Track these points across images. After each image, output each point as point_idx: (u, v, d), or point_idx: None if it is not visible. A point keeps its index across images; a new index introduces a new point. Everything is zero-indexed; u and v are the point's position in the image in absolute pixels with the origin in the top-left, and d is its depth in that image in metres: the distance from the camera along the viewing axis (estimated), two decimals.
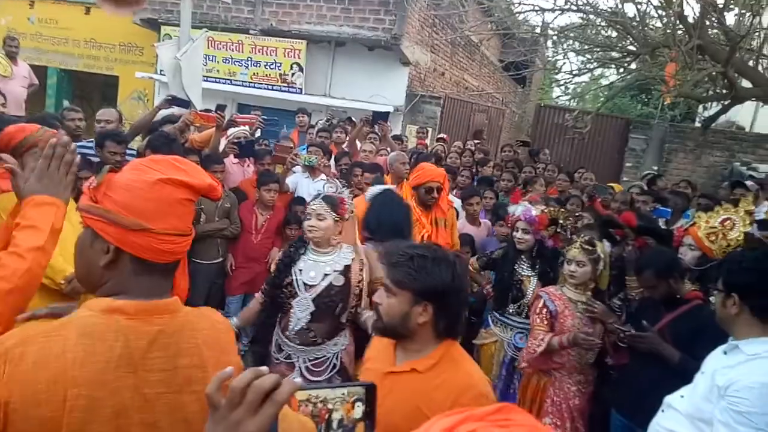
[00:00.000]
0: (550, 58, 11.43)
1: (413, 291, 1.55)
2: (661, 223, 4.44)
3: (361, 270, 2.66)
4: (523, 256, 3.43)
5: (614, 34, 8.35)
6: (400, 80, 9.57)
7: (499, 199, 5.19)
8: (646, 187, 5.98)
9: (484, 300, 3.92)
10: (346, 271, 2.63)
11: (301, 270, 2.64)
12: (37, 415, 0.94)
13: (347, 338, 2.73)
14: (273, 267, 2.81)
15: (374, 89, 9.47)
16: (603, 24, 8.22)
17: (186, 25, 6.48)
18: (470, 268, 3.79)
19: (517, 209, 3.43)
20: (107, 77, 11.58)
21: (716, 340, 2.05)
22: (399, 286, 1.56)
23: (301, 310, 2.60)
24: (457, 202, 4.69)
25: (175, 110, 5.07)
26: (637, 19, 7.41)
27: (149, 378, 1.04)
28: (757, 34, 7.10)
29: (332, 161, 5.38)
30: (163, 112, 5.06)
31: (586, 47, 8.82)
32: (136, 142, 4.74)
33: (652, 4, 7.27)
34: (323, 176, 4.74)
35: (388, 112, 6.59)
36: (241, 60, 9.83)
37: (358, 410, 0.87)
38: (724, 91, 7.59)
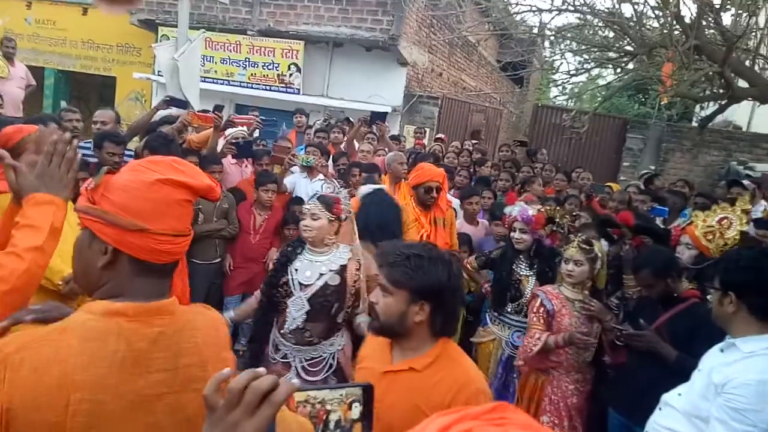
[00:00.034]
0: (547, 59, 11.47)
1: (410, 290, 1.56)
2: (659, 222, 4.46)
3: (358, 270, 2.66)
4: (521, 256, 3.44)
5: (611, 34, 8.37)
6: (397, 80, 9.58)
7: (498, 198, 5.20)
8: (643, 187, 5.99)
9: (481, 299, 3.93)
10: (342, 270, 2.63)
11: (297, 269, 2.65)
12: (40, 420, 0.94)
13: (344, 338, 2.73)
14: (271, 267, 2.82)
15: (372, 90, 9.48)
16: (600, 24, 8.24)
17: (183, 25, 6.47)
18: (469, 267, 3.80)
19: (513, 210, 3.43)
20: (105, 78, 11.56)
21: (713, 338, 2.06)
22: (396, 285, 1.58)
23: (296, 310, 2.60)
24: (456, 202, 4.70)
25: (173, 111, 5.07)
26: (634, 19, 7.43)
27: (152, 379, 1.04)
28: (753, 34, 7.12)
29: (330, 161, 5.38)
30: (161, 113, 5.05)
31: (583, 47, 8.85)
32: (134, 143, 4.73)
33: (649, 4, 7.30)
34: (321, 176, 4.74)
35: (386, 113, 6.59)
36: (239, 61, 9.83)
37: (356, 411, 0.88)
38: (721, 91, 7.62)
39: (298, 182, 4.83)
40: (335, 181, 4.62)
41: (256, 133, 5.96)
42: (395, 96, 9.54)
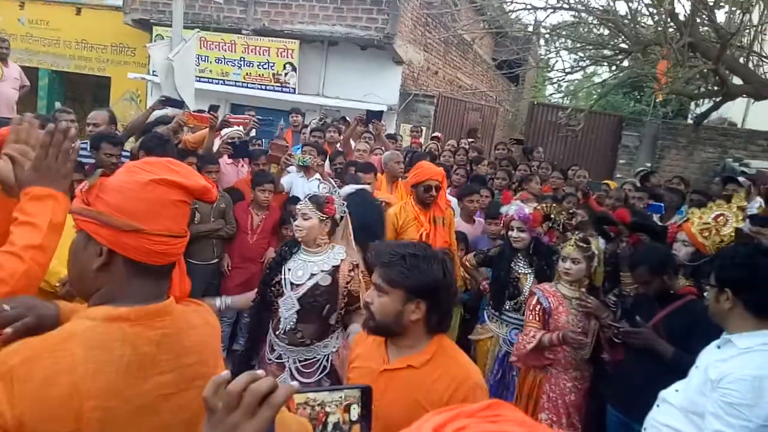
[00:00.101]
0: (542, 57, 11.48)
1: (406, 289, 1.58)
2: (655, 219, 4.47)
3: (351, 271, 2.63)
4: (519, 254, 3.45)
5: (606, 32, 8.39)
6: (393, 79, 9.58)
7: (495, 197, 5.21)
8: (639, 184, 6.02)
9: (479, 297, 3.94)
10: (334, 271, 2.61)
11: (290, 269, 2.64)
12: (54, 430, 0.94)
13: (339, 340, 2.71)
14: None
15: (367, 88, 9.47)
16: (595, 22, 8.26)
17: (178, 25, 6.46)
18: (467, 264, 3.81)
19: (510, 208, 3.44)
20: (99, 78, 11.52)
21: (710, 335, 2.07)
22: (392, 285, 1.59)
23: (287, 309, 2.60)
24: (453, 201, 4.70)
25: (169, 111, 5.06)
26: (629, 17, 7.45)
27: (158, 381, 1.05)
28: (747, 31, 7.15)
29: (327, 161, 5.37)
30: (157, 113, 5.04)
31: (578, 45, 8.86)
32: (130, 143, 4.72)
33: (643, 2, 7.32)
34: (318, 176, 4.74)
35: (382, 111, 6.58)
36: (234, 60, 9.81)
37: (354, 413, 0.88)
38: (716, 88, 7.65)
39: (294, 182, 4.83)
40: (332, 180, 4.63)
41: (253, 133, 5.95)
42: (391, 95, 9.54)
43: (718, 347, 1.98)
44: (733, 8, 6.93)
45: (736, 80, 7.43)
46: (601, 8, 7.79)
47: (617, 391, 2.79)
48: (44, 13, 11.23)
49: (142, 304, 1.06)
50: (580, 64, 9.32)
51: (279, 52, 9.58)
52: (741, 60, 7.28)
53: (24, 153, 1.29)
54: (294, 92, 9.61)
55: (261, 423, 0.76)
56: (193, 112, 5.19)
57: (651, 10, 7.41)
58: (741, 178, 5.87)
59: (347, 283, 2.62)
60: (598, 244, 3.06)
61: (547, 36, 9.34)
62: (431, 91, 10.38)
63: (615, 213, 4.03)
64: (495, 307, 3.49)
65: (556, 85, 10.33)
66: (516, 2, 8.62)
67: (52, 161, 1.27)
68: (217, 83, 9.88)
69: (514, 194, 4.67)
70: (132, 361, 1.01)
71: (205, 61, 9.71)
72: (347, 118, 7.43)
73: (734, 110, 11.73)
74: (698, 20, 6.79)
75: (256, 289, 2.83)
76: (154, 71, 8.75)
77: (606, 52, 8.56)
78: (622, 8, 7.53)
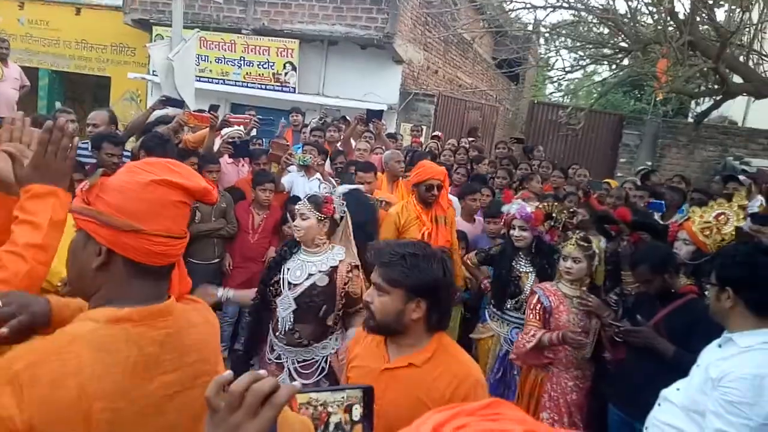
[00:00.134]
0: (542, 55, 11.49)
1: (406, 288, 1.59)
2: (656, 216, 4.47)
3: (349, 272, 2.61)
4: (520, 253, 3.45)
5: (606, 30, 8.39)
6: (393, 78, 9.57)
7: (496, 196, 5.21)
8: (639, 183, 6.02)
9: (480, 296, 3.94)
10: (332, 272, 2.60)
11: (289, 269, 2.64)
12: None
13: (338, 342, 2.69)
14: None
15: (367, 88, 9.47)
16: (594, 21, 8.26)
17: (178, 25, 6.46)
18: (469, 263, 3.81)
19: (512, 207, 3.44)
20: (99, 78, 11.51)
21: (711, 334, 2.07)
22: (392, 284, 1.60)
23: (284, 309, 2.59)
24: (454, 200, 4.70)
25: (169, 111, 5.06)
26: (629, 15, 7.45)
27: (164, 381, 1.06)
28: (747, 29, 7.14)
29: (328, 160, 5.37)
30: (157, 113, 5.04)
31: (578, 44, 8.86)
32: (130, 143, 4.73)
33: (642, 0, 7.31)
34: (318, 175, 4.74)
35: (382, 111, 6.59)
36: (234, 60, 9.80)
37: (356, 413, 0.88)
38: (716, 87, 7.64)
39: (295, 181, 4.83)
40: (332, 180, 4.63)
41: (254, 132, 5.95)
42: (391, 94, 9.53)
43: (719, 346, 1.98)
44: (733, 6, 6.93)
45: (737, 79, 7.42)
46: (600, 7, 7.79)
47: (618, 389, 2.79)
48: (44, 13, 11.22)
49: (142, 305, 1.06)
50: (580, 62, 9.32)
51: (279, 52, 9.58)
52: (741, 58, 7.28)
53: (21, 151, 1.29)
54: (294, 92, 9.61)
55: (263, 423, 0.77)
56: (194, 111, 5.20)
57: (651, 8, 7.40)
58: (742, 177, 5.87)
59: (345, 284, 2.60)
60: (599, 243, 3.06)
61: (546, 35, 9.34)
62: (431, 91, 10.38)
63: (616, 212, 4.04)
64: (496, 305, 3.50)
65: (556, 84, 10.37)
66: (515, 1, 8.65)
67: (51, 158, 1.27)
68: (217, 83, 9.88)
69: (515, 193, 4.67)
70: (138, 362, 1.02)
71: (205, 60, 9.70)
72: (347, 118, 7.43)
73: (735, 109, 11.72)
74: (698, 19, 6.79)
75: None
76: (154, 71, 8.75)
77: (606, 50, 8.56)
78: (621, 7, 7.56)
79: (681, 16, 6.77)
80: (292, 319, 2.58)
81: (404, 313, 1.61)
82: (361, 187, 3.82)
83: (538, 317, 2.92)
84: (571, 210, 3.82)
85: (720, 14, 7.52)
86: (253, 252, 4.37)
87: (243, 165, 5.13)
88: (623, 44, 7.98)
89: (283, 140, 5.50)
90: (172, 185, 1.08)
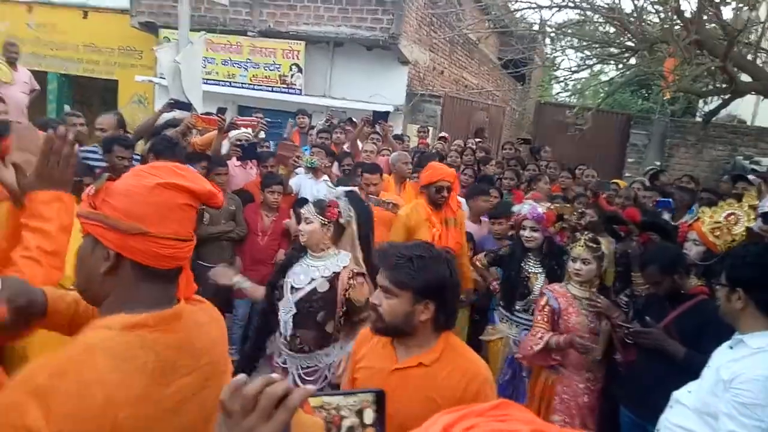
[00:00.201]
0: (548, 55, 11.46)
1: (414, 290, 1.61)
2: (666, 216, 4.45)
3: (351, 279, 2.55)
4: (530, 254, 3.44)
5: (612, 30, 8.34)
6: (399, 79, 9.57)
7: (503, 197, 5.20)
8: (648, 183, 5.99)
9: (488, 298, 3.93)
10: (333, 278, 2.56)
11: (294, 273, 2.63)
12: None
13: (343, 350, 2.62)
14: None
15: (374, 89, 9.47)
16: (601, 20, 8.22)
17: (184, 27, 6.48)
18: (478, 264, 3.81)
19: (522, 208, 3.44)
20: (107, 81, 11.57)
21: (721, 335, 2.07)
22: (400, 287, 1.61)
23: (285, 312, 2.59)
24: (461, 201, 4.69)
25: (177, 114, 5.09)
26: (635, 14, 7.41)
27: (181, 384, 1.06)
28: (754, 27, 7.10)
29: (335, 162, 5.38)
30: (165, 116, 5.07)
31: (584, 43, 8.82)
32: (139, 147, 4.76)
33: None
34: (326, 177, 4.75)
35: (388, 112, 6.60)
36: (241, 62, 9.84)
37: (368, 416, 0.89)
38: (724, 86, 7.58)
39: (303, 183, 4.84)
40: (328, 183, 4.64)
41: (262, 135, 5.98)
42: (397, 95, 9.53)
43: (731, 347, 1.97)
44: (740, 5, 6.88)
45: (745, 77, 7.36)
46: (606, 6, 7.74)
47: (629, 391, 2.78)
48: (51, 17, 11.29)
49: (154, 310, 1.06)
50: (587, 62, 9.27)
51: (285, 54, 9.61)
52: (749, 57, 7.22)
53: (28, 161, 1.33)
54: (300, 93, 9.63)
55: (277, 426, 0.77)
56: (201, 114, 5.22)
57: (657, 7, 7.36)
58: (751, 176, 5.83)
59: (346, 290, 2.55)
60: (608, 243, 3.05)
61: (552, 34, 9.31)
62: (437, 91, 10.37)
63: (625, 212, 4.02)
64: (506, 307, 3.49)
65: (562, 84, 10.33)
66: (521, 1, 8.59)
67: (53, 167, 1.30)
68: (224, 85, 9.91)
69: (525, 194, 4.66)
70: (155, 367, 1.02)
71: (211, 63, 9.75)
72: (354, 119, 7.44)
73: (743, 107, 11.63)
74: (705, 17, 6.74)
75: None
76: (161, 74, 8.80)
77: (612, 50, 8.51)
78: (627, 6, 7.50)
79: (687, 15, 6.72)
80: (292, 324, 2.57)
81: (413, 315, 1.62)
82: (356, 189, 3.82)
83: (546, 319, 2.91)
84: (580, 211, 3.81)
85: (727, 12, 7.46)
86: (263, 254, 4.38)
87: (251, 167, 5.15)
88: (630, 43, 7.94)
89: (291, 141, 5.51)
90: (178, 188, 1.08)
